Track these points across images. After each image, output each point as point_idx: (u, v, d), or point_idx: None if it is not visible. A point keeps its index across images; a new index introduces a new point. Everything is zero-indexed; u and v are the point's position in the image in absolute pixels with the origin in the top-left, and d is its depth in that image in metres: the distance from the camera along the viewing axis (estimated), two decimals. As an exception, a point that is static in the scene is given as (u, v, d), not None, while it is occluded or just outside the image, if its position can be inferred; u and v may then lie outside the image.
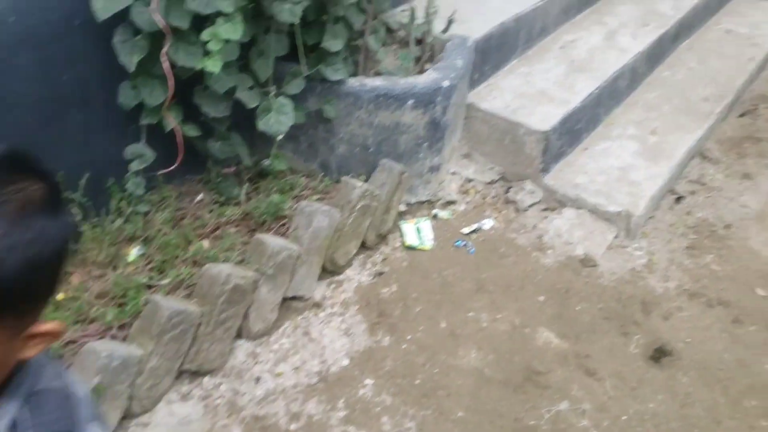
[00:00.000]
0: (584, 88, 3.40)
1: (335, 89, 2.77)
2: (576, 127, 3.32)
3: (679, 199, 3.30)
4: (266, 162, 2.75)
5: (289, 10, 2.31)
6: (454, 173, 3.24)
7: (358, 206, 2.66)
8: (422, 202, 3.08)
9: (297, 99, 2.67)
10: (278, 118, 2.45)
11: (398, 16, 3.24)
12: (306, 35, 2.63)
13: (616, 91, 3.62)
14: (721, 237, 3.07)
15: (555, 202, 3.13)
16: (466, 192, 3.21)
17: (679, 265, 2.89)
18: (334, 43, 2.63)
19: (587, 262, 2.85)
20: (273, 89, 2.51)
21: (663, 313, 2.64)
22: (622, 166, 3.26)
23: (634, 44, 3.80)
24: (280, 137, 2.52)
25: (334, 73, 2.70)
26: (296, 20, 2.34)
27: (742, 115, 4.02)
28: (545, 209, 3.12)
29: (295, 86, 2.64)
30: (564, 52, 3.70)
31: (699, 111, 3.72)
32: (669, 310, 2.65)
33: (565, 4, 3.84)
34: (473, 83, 3.32)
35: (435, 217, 3.04)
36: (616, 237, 2.99)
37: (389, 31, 3.19)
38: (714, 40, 4.43)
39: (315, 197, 2.77)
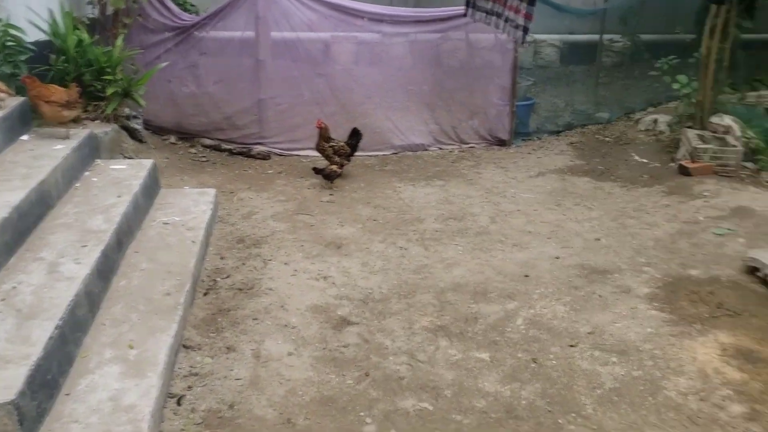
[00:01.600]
0: (42, 334, 3.05)
1: None
2: (48, 378, 2.95)
3: (180, 400, 3.20)
4: None
5: None
6: None
7: None
8: None
9: None
10: None
11: None
12: None
13: (79, 321, 3.37)
14: (230, 419, 3.07)
15: (54, 470, 2.68)
16: None
17: (203, 469, 2.76)
18: None
19: None
20: None
21: None
22: (112, 396, 3.00)
23: (80, 268, 3.62)
24: None
25: None
26: None
27: (206, 294, 4.21)
28: (46, 483, 2.64)
29: None
30: (7, 303, 3.29)
31: (166, 306, 3.74)
32: None
33: (-11, 254, 3.46)
34: None
35: None
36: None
37: None
38: (156, 236, 4.58)
39: None
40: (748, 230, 5.37)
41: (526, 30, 6.75)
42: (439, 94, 7.79)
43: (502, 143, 8.00)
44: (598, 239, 5.35)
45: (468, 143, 7.97)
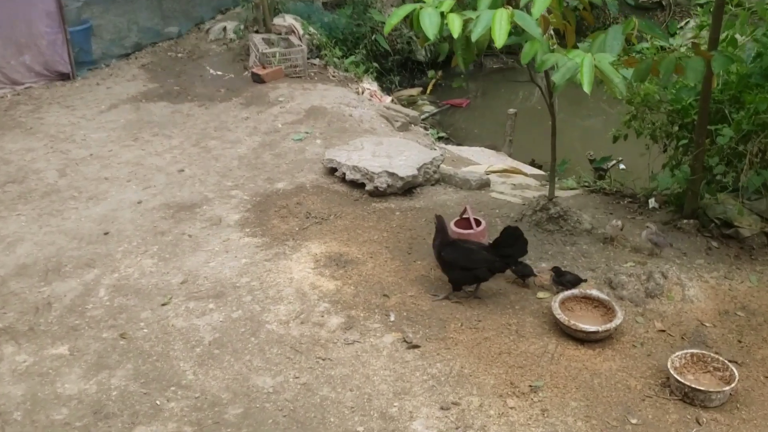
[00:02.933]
0: None
1: None
2: None
3: None
4: None
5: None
6: None
7: None
8: None
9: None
10: None
11: None
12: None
13: None
14: None
15: None
16: None
17: None
18: None
19: None
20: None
21: None
22: None
23: None
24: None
25: None
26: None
27: None
28: None
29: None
30: None
31: None
32: None
33: None
34: None
35: None
36: None
37: None
38: None
39: None
40: (323, 130, 5.40)
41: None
42: (-28, 31, 6.20)
43: (65, 77, 6.79)
44: (182, 170, 4.83)
45: (23, 84, 6.60)
